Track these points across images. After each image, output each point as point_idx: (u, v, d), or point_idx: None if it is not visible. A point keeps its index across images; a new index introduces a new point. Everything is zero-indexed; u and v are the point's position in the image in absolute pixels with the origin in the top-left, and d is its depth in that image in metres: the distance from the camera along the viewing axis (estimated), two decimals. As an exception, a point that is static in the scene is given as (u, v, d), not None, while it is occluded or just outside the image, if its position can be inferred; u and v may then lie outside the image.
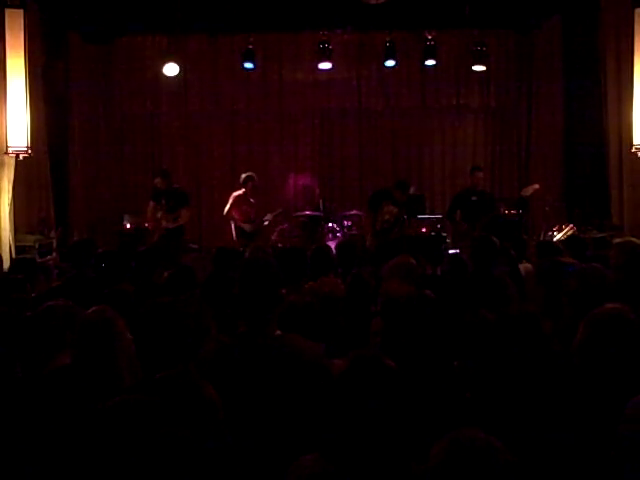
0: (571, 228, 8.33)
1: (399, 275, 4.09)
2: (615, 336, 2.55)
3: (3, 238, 7.89)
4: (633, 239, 5.27)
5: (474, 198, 8.76)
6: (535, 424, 2.49)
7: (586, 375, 2.58)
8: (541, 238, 8.50)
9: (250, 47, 10.45)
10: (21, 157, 8.11)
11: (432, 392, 2.92)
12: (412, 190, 11.00)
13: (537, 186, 8.99)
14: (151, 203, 9.06)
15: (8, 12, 7.90)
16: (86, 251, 5.50)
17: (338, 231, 9.58)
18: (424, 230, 9.37)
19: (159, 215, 8.91)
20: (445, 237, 9.03)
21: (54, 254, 8.28)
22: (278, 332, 2.71)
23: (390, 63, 10.64)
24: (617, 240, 5.62)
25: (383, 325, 3.70)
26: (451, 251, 8.00)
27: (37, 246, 8.21)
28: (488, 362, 2.80)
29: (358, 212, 10.09)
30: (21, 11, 7.96)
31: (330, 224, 9.68)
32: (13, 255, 7.83)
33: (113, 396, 2.44)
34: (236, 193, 9.28)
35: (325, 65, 10.40)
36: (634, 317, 2.60)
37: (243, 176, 9.35)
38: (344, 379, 1.92)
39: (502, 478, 1.58)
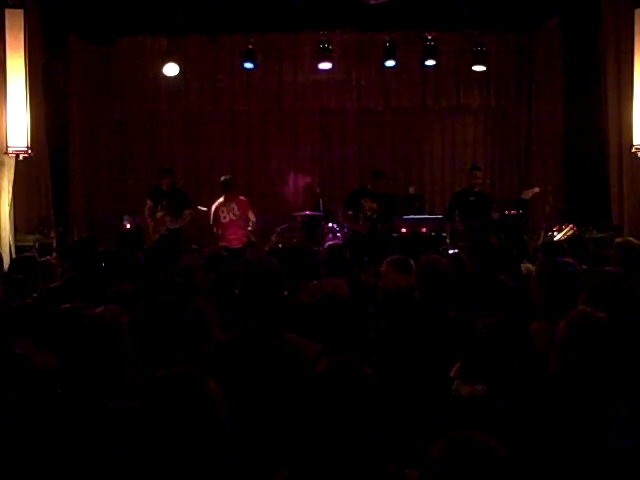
0: (571, 228, 8.33)
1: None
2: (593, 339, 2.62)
3: (3, 238, 7.91)
4: (633, 240, 5.29)
5: (472, 198, 8.75)
6: (524, 425, 2.50)
7: (567, 377, 2.61)
8: (541, 238, 8.50)
9: (250, 47, 10.45)
10: (21, 157, 8.12)
11: (429, 394, 2.92)
12: (411, 190, 11.04)
13: (537, 189, 8.95)
14: (148, 202, 9.02)
15: (8, 12, 7.92)
16: (86, 250, 5.50)
17: (338, 231, 9.57)
18: (424, 230, 9.36)
19: (159, 215, 8.88)
20: (445, 237, 9.03)
21: (54, 254, 8.27)
22: (279, 333, 2.70)
23: (390, 63, 10.63)
24: (618, 240, 5.63)
25: (383, 319, 3.70)
26: (450, 251, 8.01)
27: (37, 246, 8.22)
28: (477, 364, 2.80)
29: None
30: (21, 11, 7.97)
31: (330, 224, 9.67)
32: (13, 255, 7.83)
33: (117, 395, 2.44)
34: None
35: (325, 65, 10.39)
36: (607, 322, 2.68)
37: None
38: (317, 384, 1.90)
39: (499, 477, 1.58)
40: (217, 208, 8.78)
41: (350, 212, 8.76)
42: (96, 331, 2.86)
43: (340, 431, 1.82)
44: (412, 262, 4.56)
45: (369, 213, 8.63)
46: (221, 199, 8.82)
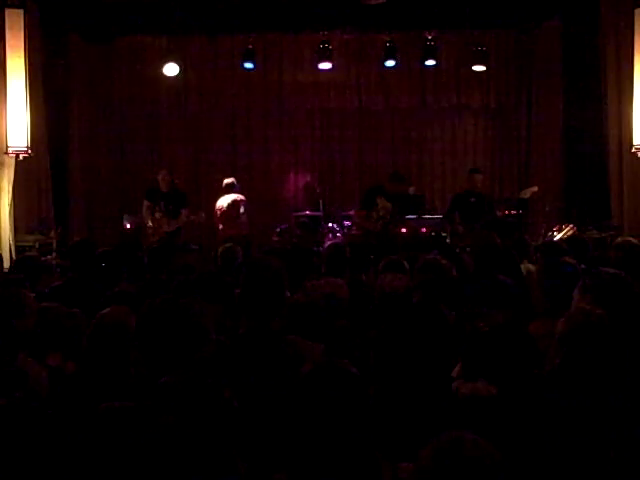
0: (571, 228, 8.33)
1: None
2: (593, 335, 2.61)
3: (3, 238, 7.91)
4: (633, 240, 5.30)
5: (472, 199, 8.75)
6: (523, 425, 2.50)
7: (565, 373, 2.62)
8: (541, 238, 8.50)
9: (250, 47, 10.45)
10: (21, 157, 8.12)
11: (429, 394, 2.91)
12: (412, 190, 11.00)
13: (536, 188, 8.97)
14: (146, 202, 9.00)
15: (8, 12, 7.92)
16: (86, 250, 5.50)
17: (338, 231, 9.58)
18: (424, 230, 9.35)
19: (158, 216, 8.87)
20: (445, 237, 9.02)
21: (54, 254, 8.27)
22: (282, 334, 2.70)
23: (390, 63, 10.63)
24: (618, 240, 5.64)
25: (382, 320, 3.69)
26: (451, 251, 7.99)
27: (37, 246, 8.22)
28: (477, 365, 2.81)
29: (358, 212, 10.08)
30: (21, 11, 7.97)
31: (330, 224, 9.68)
32: (13, 255, 7.84)
33: (122, 395, 2.43)
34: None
35: (325, 65, 10.40)
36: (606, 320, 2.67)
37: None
38: (302, 385, 1.90)
39: (491, 478, 1.58)
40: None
41: (363, 211, 8.80)
42: (105, 331, 2.85)
43: (328, 431, 1.82)
44: (406, 263, 4.57)
45: (382, 213, 8.63)
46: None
